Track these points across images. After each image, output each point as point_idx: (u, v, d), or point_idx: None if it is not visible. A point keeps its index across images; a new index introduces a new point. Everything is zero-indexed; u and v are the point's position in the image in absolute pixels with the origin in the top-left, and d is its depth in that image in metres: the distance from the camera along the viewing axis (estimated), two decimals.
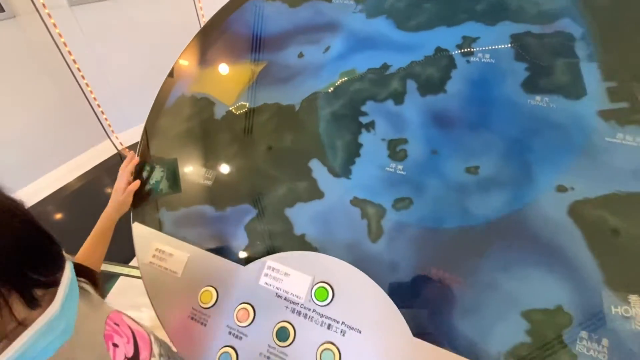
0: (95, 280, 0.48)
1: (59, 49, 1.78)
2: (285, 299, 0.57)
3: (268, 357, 0.55)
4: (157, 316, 0.61)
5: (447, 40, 0.70)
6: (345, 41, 0.76)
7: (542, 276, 0.52)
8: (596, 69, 0.61)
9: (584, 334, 0.49)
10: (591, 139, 0.58)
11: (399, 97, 0.69)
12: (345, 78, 0.73)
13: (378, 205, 0.62)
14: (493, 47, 0.67)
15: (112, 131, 2.14)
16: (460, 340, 0.51)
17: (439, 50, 0.70)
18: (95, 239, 0.63)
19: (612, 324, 0.48)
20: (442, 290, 0.54)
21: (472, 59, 0.67)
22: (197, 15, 2.03)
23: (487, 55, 0.67)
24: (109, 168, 2.10)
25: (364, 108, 0.70)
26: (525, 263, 0.53)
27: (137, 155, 0.76)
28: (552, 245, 0.53)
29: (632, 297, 0.49)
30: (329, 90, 0.73)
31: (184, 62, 0.84)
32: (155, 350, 0.50)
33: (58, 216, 1.90)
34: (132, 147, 2.18)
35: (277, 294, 0.58)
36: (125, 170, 0.71)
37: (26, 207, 0.36)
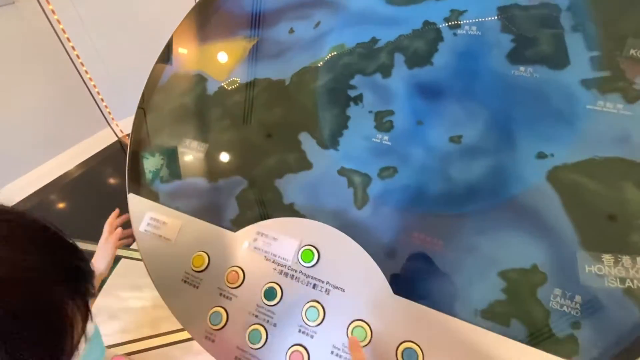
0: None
1: (58, 36, 1.79)
2: (273, 261, 0.60)
3: (256, 316, 0.57)
4: (152, 280, 0.64)
5: (436, 13, 0.71)
6: (336, 16, 0.77)
7: (519, 238, 0.54)
8: (581, 39, 0.62)
9: (557, 291, 0.51)
10: (572, 107, 0.59)
11: (386, 70, 0.70)
12: (335, 53, 0.74)
13: (364, 174, 0.64)
14: (480, 20, 0.68)
15: (112, 118, 2.16)
16: (439, 298, 0.53)
17: (427, 23, 0.71)
18: None
19: (585, 282, 0.50)
20: (422, 253, 0.56)
21: (459, 31, 0.68)
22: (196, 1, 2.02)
23: (474, 28, 0.68)
24: (109, 156, 2.13)
25: (352, 82, 0.71)
26: (503, 226, 0.55)
27: (132, 132, 0.78)
28: (530, 208, 0.55)
29: (606, 257, 0.51)
30: (319, 65, 0.74)
31: (176, 40, 0.85)
32: None
33: (59, 203, 1.94)
34: None
35: (265, 257, 0.60)
36: (110, 224, 0.70)
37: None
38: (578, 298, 0.50)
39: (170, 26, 0.85)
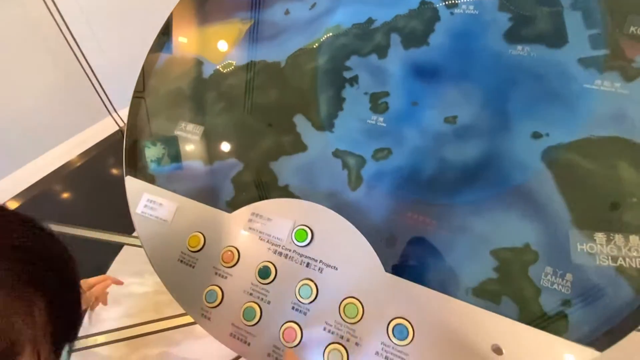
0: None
1: (57, 25, 1.78)
2: (267, 241, 0.60)
3: (251, 294, 0.58)
4: (149, 259, 0.65)
5: None
6: None
7: (512, 217, 0.54)
8: (580, 17, 0.61)
9: (548, 269, 0.51)
10: (569, 86, 0.58)
11: (382, 51, 0.69)
12: (331, 34, 0.73)
13: (359, 156, 0.64)
14: None
15: (114, 108, 2.16)
16: (430, 276, 0.53)
17: (423, 3, 0.69)
18: None
19: (576, 261, 0.50)
20: (415, 232, 0.56)
21: (456, 10, 0.67)
22: None
23: (471, 7, 0.67)
24: (111, 145, 2.14)
25: (348, 63, 0.71)
26: (496, 206, 0.55)
27: (128, 116, 0.78)
28: (523, 188, 0.55)
29: (598, 235, 0.51)
30: (314, 47, 0.74)
31: (172, 23, 0.84)
32: None
33: (61, 193, 1.96)
34: None
35: (260, 237, 0.61)
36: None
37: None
38: (569, 276, 0.50)
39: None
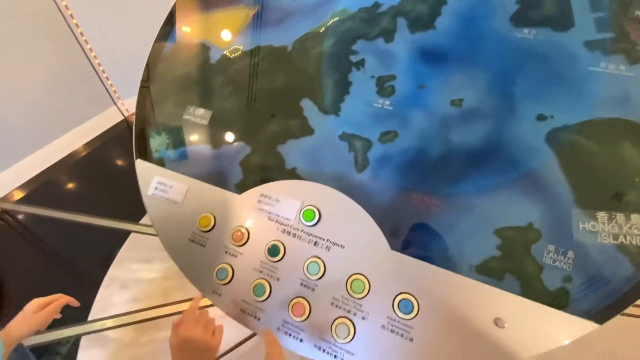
0: None
1: (62, 14, 1.78)
2: (276, 221, 0.62)
3: (261, 271, 0.60)
4: (160, 240, 0.67)
5: None
6: None
7: (516, 198, 0.55)
8: (586, 0, 0.61)
9: (551, 247, 0.52)
10: (574, 69, 0.59)
11: (389, 35, 0.70)
12: (337, 18, 0.74)
13: (365, 139, 0.65)
14: None
15: (118, 97, 2.17)
16: (435, 254, 0.55)
17: None
18: None
19: (579, 238, 0.52)
20: (420, 212, 0.58)
21: None
22: None
23: None
24: (116, 134, 2.16)
25: (354, 47, 0.71)
26: (501, 186, 0.56)
27: (137, 102, 0.79)
28: (528, 169, 0.56)
29: (600, 214, 0.52)
30: (321, 31, 0.74)
31: (179, 9, 0.85)
32: None
33: (67, 183, 1.98)
34: None
35: (269, 217, 0.63)
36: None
37: None
38: (570, 254, 0.51)
39: None
